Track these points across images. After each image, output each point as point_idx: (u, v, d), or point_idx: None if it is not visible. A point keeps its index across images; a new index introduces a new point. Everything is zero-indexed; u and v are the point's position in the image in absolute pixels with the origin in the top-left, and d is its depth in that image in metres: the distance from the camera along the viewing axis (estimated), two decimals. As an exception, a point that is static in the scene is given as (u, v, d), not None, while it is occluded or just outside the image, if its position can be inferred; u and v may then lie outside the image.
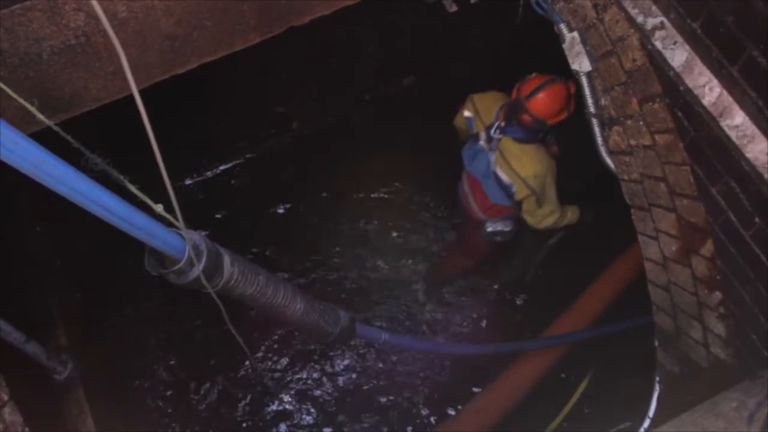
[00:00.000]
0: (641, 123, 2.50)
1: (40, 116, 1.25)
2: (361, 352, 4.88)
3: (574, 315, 4.46)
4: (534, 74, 3.60)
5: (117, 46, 1.22)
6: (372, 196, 5.44)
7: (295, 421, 4.70)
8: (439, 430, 4.51)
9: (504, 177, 3.85)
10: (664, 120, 2.36)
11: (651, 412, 3.37)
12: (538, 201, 3.87)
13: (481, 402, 4.36)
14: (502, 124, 3.77)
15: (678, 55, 2.13)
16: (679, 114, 2.26)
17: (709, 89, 2.05)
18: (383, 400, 4.75)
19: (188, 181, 5.29)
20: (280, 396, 4.77)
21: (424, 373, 4.82)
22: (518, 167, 3.76)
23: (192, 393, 4.70)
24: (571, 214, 4.06)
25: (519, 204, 3.95)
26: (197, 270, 1.74)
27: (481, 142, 3.91)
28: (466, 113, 4.10)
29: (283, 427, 4.68)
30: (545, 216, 3.95)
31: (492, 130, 3.82)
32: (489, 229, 4.19)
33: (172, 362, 4.78)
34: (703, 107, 2.07)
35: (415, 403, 4.74)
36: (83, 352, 3.48)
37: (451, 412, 4.62)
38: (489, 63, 5.54)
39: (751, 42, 1.83)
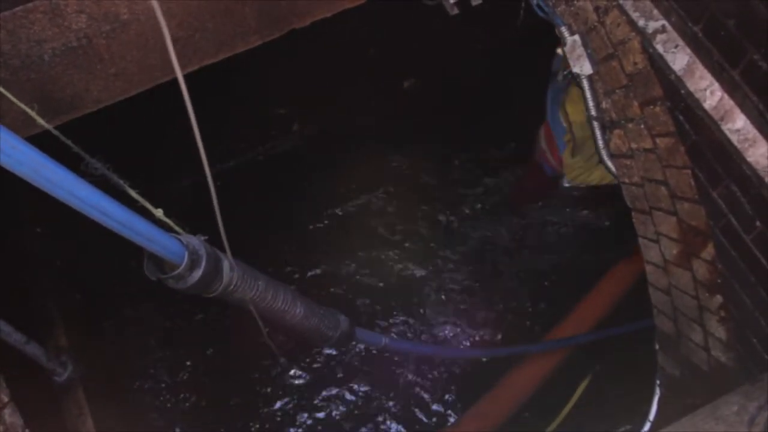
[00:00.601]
0: (642, 126, 2.50)
1: (40, 120, 1.25)
2: (363, 355, 4.87)
3: (576, 319, 4.45)
4: None
5: (163, 25, 1.20)
6: (373, 197, 5.44)
7: (296, 422, 4.70)
8: None
9: (561, 119, 3.87)
10: (665, 123, 2.36)
11: (651, 416, 3.37)
12: (573, 150, 3.85)
13: (482, 406, 4.35)
14: None
15: (679, 59, 2.12)
16: (680, 117, 2.26)
17: (710, 93, 2.05)
18: (383, 402, 4.74)
19: (188, 183, 5.29)
20: (280, 395, 4.76)
21: (424, 377, 4.81)
22: (570, 111, 3.77)
23: (192, 394, 4.70)
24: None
25: None
26: (197, 275, 1.73)
27: (559, 78, 3.97)
28: (559, 51, 4.13)
29: (283, 426, 4.68)
30: (573, 168, 3.93)
31: (566, 72, 3.86)
32: (566, 185, 4.20)
33: (171, 363, 4.78)
34: (704, 111, 2.07)
35: (416, 406, 4.73)
36: (83, 354, 3.47)
37: (452, 415, 4.61)
38: (490, 66, 5.54)
39: (752, 45, 1.83)
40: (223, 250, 1.93)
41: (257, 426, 4.67)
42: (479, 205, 5.43)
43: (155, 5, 1.18)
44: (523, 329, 4.89)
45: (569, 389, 4.64)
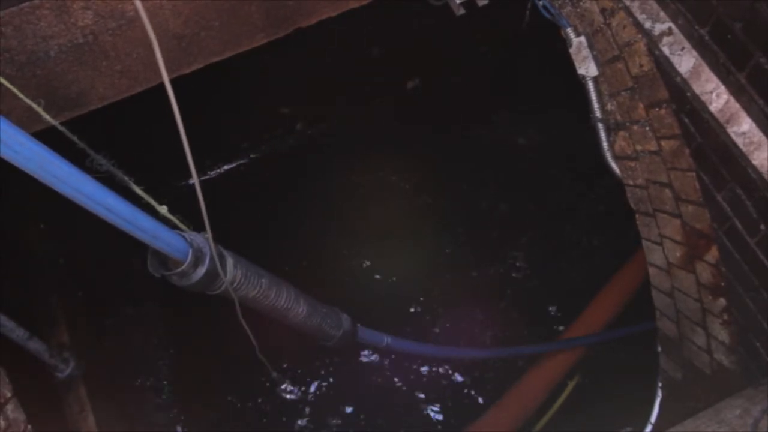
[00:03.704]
0: (647, 128, 2.50)
1: (47, 116, 1.25)
2: (366, 354, 4.87)
3: (585, 323, 4.44)
4: None
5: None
6: (376, 196, 5.44)
7: (297, 422, 4.70)
8: None
9: None
10: (670, 126, 2.35)
11: (653, 418, 3.37)
12: None
13: (495, 413, 4.33)
14: None
15: (685, 61, 2.12)
16: (686, 120, 2.25)
17: (716, 96, 2.04)
18: (385, 402, 4.74)
19: (192, 181, 5.29)
20: (280, 394, 4.76)
21: (426, 377, 4.81)
22: None
23: (194, 392, 4.70)
24: None
25: None
26: (201, 272, 1.74)
27: None
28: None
29: (283, 425, 4.68)
30: None
31: None
32: None
33: (173, 361, 4.78)
34: (710, 114, 2.07)
35: (417, 407, 4.73)
36: (85, 351, 3.48)
37: (455, 414, 4.61)
38: (494, 67, 5.54)
39: (758, 49, 1.83)
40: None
41: (259, 425, 4.67)
42: (484, 203, 5.43)
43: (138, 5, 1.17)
44: (529, 329, 4.88)
45: (560, 388, 4.66)
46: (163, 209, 1.65)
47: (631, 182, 2.81)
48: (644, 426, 3.36)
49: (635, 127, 2.58)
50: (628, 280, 4.46)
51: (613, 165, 2.90)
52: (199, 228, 1.88)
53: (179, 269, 1.73)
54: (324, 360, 4.83)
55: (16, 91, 1.30)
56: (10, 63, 2.13)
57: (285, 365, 4.81)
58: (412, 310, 5.06)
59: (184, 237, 1.75)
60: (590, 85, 2.75)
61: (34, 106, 1.25)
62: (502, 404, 4.34)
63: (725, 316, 2.50)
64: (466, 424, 4.40)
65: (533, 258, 5.25)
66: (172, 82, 2.56)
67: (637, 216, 2.88)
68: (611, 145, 2.84)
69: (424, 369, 4.82)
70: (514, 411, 4.29)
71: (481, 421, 4.32)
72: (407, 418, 4.70)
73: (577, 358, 4.45)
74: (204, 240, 1.81)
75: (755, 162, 1.96)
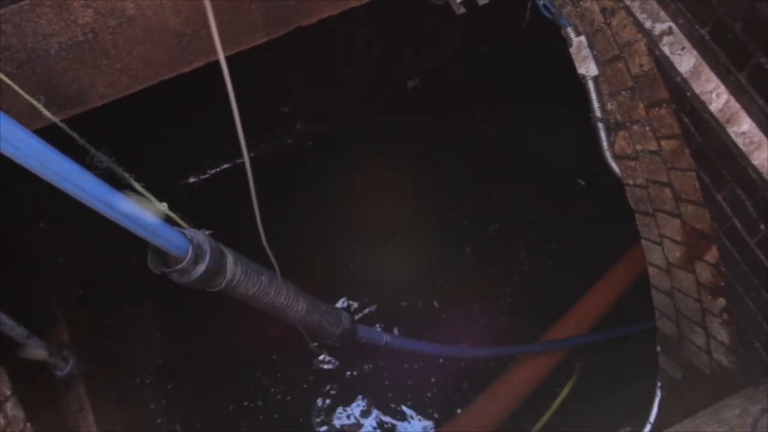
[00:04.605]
0: (647, 128, 2.50)
1: (47, 113, 1.25)
2: (363, 352, 4.87)
3: (574, 318, 4.45)
4: None
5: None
6: (376, 196, 5.44)
7: (295, 421, 4.70)
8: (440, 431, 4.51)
9: None
10: (670, 126, 2.35)
11: (652, 418, 3.37)
12: None
13: (480, 404, 4.35)
14: None
15: (685, 61, 2.12)
16: (686, 120, 2.26)
17: (716, 95, 2.04)
18: (383, 400, 4.74)
19: (192, 180, 5.30)
20: (282, 392, 4.77)
21: (425, 375, 4.81)
22: None
23: (194, 391, 4.70)
24: None
25: None
26: (200, 269, 1.74)
27: None
28: None
29: (283, 424, 4.68)
30: None
31: None
32: None
33: (173, 360, 4.78)
34: (710, 113, 2.07)
35: (416, 404, 4.73)
36: (85, 349, 3.48)
37: (451, 414, 4.61)
38: (494, 66, 5.54)
39: (758, 49, 1.83)
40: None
41: (258, 423, 4.67)
42: (484, 203, 5.43)
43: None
44: (528, 328, 4.88)
45: (559, 387, 4.66)
46: (163, 206, 1.65)
47: (631, 182, 2.81)
48: (644, 426, 3.36)
49: (635, 127, 2.58)
50: (620, 278, 4.47)
51: (613, 165, 2.90)
52: (198, 225, 1.88)
53: (179, 266, 1.73)
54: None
55: (16, 87, 1.30)
56: (10, 61, 2.14)
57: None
58: (412, 308, 5.06)
59: (184, 234, 1.76)
60: (590, 85, 2.75)
61: (35, 102, 1.25)
62: (491, 392, 4.36)
63: (725, 316, 2.50)
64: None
65: (533, 257, 5.26)
66: (172, 81, 2.58)
67: (636, 216, 2.88)
68: (611, 144, 2.84)
69: (421, 364, 4.83)
70: (502, 400, 4.30)
71: (469, 410, 4.34)
72: (399, 410, 4.72)
73: (564, 356, 4.46)
74: (204, 237, 1.81)
75: (755, 162, 1.96)
